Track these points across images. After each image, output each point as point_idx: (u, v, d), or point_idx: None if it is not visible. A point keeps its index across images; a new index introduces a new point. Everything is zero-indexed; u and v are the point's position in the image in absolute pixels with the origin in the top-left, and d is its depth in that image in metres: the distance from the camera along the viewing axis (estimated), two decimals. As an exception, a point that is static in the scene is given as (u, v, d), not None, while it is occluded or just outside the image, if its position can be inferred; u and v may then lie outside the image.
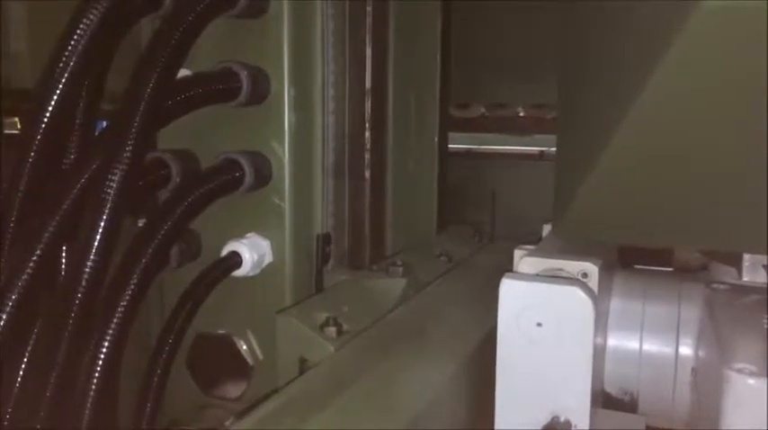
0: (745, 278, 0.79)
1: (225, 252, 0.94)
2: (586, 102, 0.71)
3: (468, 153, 1.77)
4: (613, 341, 0.80)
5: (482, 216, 1.66)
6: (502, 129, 1.73)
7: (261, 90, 0.94)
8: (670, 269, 1.06)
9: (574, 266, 0.72)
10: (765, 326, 0.67)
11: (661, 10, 0.49)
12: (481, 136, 1.76)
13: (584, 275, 0.72)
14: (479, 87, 1.73)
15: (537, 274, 0.72)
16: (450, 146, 1.54)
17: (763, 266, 0.79)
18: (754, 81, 0.48)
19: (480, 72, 1.70)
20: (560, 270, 0.73)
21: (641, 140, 0.57)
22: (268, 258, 0.97)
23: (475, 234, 1.47)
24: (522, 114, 1.71)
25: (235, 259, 0.92)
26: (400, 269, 1.04)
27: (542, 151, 1.67)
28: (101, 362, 0.68)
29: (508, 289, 0.69)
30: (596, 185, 0.65)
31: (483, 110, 1.76)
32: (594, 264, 0.72)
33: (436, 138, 1.42)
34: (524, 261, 0.74)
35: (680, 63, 0.48)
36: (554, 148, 0.97)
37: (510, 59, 1.68)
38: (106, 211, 0.65)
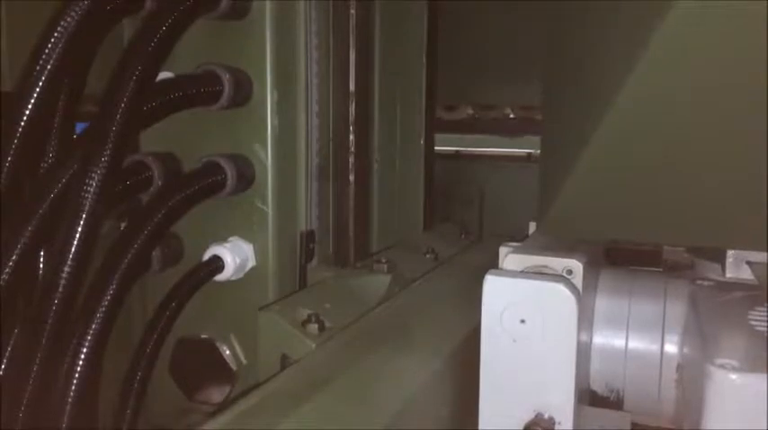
0: (729, 274, 0.79)
1: (207, 256, 0.93)
2: (570, 99, 0.71)
3: (456, 155, 1.77)
4: (599, 338, 0.80)
5: (470, 217, 1.66)
6: (489, 130, 1.74)
7: (243, 93, 0.94)
8: (659, 269, 1.06)
9: (558, 263, 0.72)
10: (751, 323, 0.67)
11: (641, 9, 0.49)
12: (469, 137, 1.77)
13: (569, 272, 0.72)
14: (467, 89, 1.73)
15: (521, 271, 0.72)
16: (437, 148, 1.54)
17: (747, 263, 0.79)
18: (735, 78, 0.48)
19: (468, 73, 1.70)
20: (545, 267, 0.73)
21: (623, 137, 0.57)
22: (251, 262, 0.96)
23: (462, 232, 1.47)
24: (511, 116, 1.71)
25: (217, 263, 0.92)
26: (385, 266, 1.04)
27: (530, 153, 1.67)
28: (80, 367, 0.67)
29: (491, 285, 0.69)
30: (580, 182, 0.65)
31: (471, 111, 1.76)
32: (579, 260, 0.72)
33: (422, 140, 1.42)
34: (509, 258, 0.73)
35: (660, 61, 0.49)
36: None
37: (497, 60, 1.68)
38: (83, 216, 0.64)
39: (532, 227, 0.93)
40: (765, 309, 0.69)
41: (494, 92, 1.72)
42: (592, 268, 0.77)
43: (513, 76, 1.66)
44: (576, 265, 0.71)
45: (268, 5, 0.95)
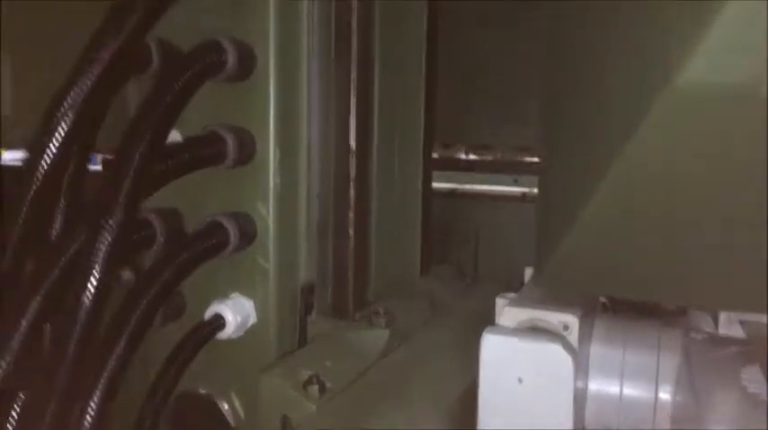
0: (721, 331, 0.81)
1: (208, 314, 0.94)
2: (569, 156, 0.72)
3: (451, 193, 1.79)
4: (594, 386, 0.81)
5: (466, 256, 1.67)
6: (485, 169, 1.76)
7: (247, 152, 0.95)
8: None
9: (555, 318, 0.73)
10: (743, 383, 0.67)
11: (651, 58, 0.49)
12: (466, 175, 1.79)
13: (565, 327, 0.73)
14: (463, 128, 1.75)
15: (518, 328, 0.73)
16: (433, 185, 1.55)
17: (739, 322, 0.80)
18: (734, 143, 0.49)
19: (464, 113, 1.72)
20: (541, 320, 0.74)
21: (625, 194, 0.57)
22: (252, 319, 0.96)
23: (458, 274, 1.47)
24: (506, 156, 1.73)
25: (218, 322, 0.92)
26: (383, 320, 1.05)
27: (524, 193, 1.69)
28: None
29: (489, 344, 0.70)
30: (578, 238, 0.66)
31: (465, 149, 1.78)
32: (575, 315, 0.73)
33: (420, 183, 1.43)
34: (506, 311, 0.75)
35: (670, 111, 0.48)
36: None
37: (494, 101, 1.70)
38: (91, 289, 0.65)
39: (528, 273, 0.94)
40: (757, 370, 0.70)
41: (490, 132, 1.74)
42: (587, 319, 0.78)
43: (510, 116, 1.67)
44: (573, 320, 0.73)
45: (272, 64, 0.96)
